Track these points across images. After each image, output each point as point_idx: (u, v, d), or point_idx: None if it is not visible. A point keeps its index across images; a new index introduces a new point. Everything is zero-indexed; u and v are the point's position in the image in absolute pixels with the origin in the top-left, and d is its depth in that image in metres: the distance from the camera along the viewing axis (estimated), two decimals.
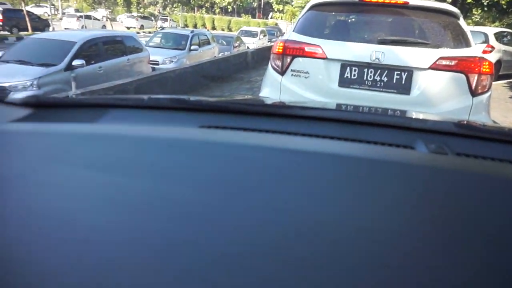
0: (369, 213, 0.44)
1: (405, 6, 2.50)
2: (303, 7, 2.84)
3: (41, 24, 18.85)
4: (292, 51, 2.60)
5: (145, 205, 0.44)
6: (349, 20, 2.99)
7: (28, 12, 18.07)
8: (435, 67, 2.37)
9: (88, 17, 24.78)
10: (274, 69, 2.68)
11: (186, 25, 34.43)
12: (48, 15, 23.18)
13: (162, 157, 0.55)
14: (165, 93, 4.76)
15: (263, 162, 0.54)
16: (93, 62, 5.83)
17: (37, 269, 0.36)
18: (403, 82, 2.43)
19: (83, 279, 0.35)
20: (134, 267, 0.36)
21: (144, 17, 31.81)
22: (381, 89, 2.46)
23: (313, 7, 2.73)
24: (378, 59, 2.41)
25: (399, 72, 2.43)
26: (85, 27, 21.60)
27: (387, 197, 0.47)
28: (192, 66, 6.78)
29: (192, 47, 9.04)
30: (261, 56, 9.45)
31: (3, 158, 0.55)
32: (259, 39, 18.16)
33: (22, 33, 16.63)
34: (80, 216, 0.43)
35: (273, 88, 2.67)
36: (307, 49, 2.56)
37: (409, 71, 2.41)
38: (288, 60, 2.61)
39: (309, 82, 2.57)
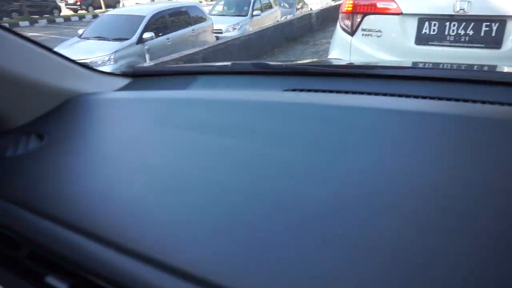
0: (481, 174, 0.41)
1: None
2: None
3: (112, 1, 20.14)
4: (363, 9, 2.43)
5: (248, 163, 0.46)
6: None
7: None
8: None
9: None
10: (343, 29, 2.54)
11: None
12: None
13: (254, 120, 0.56)
14: (233, 61, 4.79)
15: (352, 122, 0.53)
16: (161, 34, 6.06)
17: (160, 216, 0.41)
18: (493, 35, 2.15)
19: (202, 226, 0.39)
20: (249, 217, 0.39)
21: None
22: (465, 44, 2.22)
23: None
24: (463, 9, 2.16)
25: (488, 23, 2.15)
26: (153, 0, 22.43)
27: (499, 157, 0.44)
28: (256, 32, 6.72)
29: (255, 13, 8.93)
30: (326, 17, 9.03)
31: (118, 122, 0.61)
32: None
33: (96, 11, 17.91)
34: (194, 171, 0.47)
35: (343, 49, 2.55)
36: (379, 4, 2.38)
37: (502, 21, 2.13)
38: (359, 18, 2.46)
39: (382, 41, 2.41)
